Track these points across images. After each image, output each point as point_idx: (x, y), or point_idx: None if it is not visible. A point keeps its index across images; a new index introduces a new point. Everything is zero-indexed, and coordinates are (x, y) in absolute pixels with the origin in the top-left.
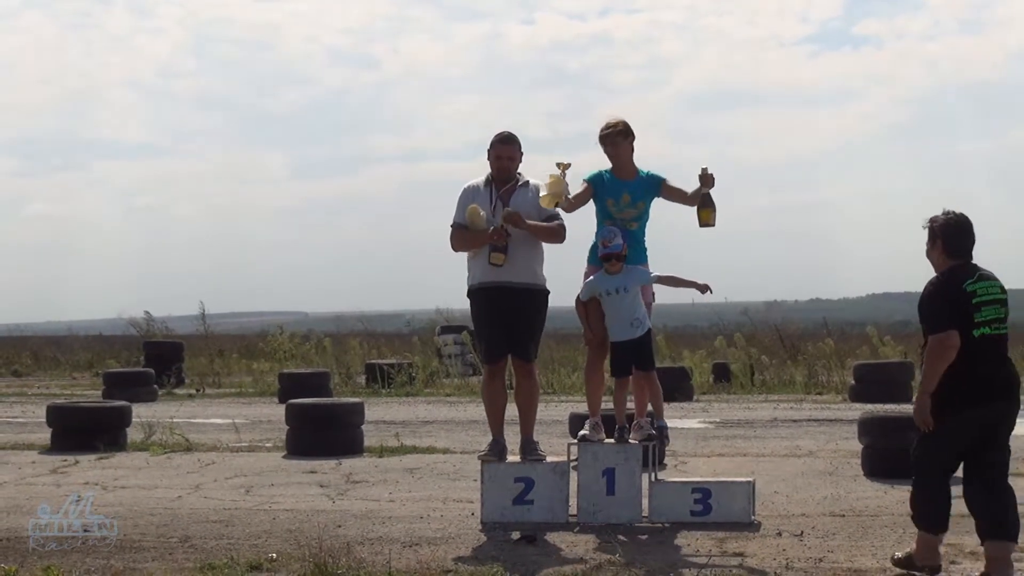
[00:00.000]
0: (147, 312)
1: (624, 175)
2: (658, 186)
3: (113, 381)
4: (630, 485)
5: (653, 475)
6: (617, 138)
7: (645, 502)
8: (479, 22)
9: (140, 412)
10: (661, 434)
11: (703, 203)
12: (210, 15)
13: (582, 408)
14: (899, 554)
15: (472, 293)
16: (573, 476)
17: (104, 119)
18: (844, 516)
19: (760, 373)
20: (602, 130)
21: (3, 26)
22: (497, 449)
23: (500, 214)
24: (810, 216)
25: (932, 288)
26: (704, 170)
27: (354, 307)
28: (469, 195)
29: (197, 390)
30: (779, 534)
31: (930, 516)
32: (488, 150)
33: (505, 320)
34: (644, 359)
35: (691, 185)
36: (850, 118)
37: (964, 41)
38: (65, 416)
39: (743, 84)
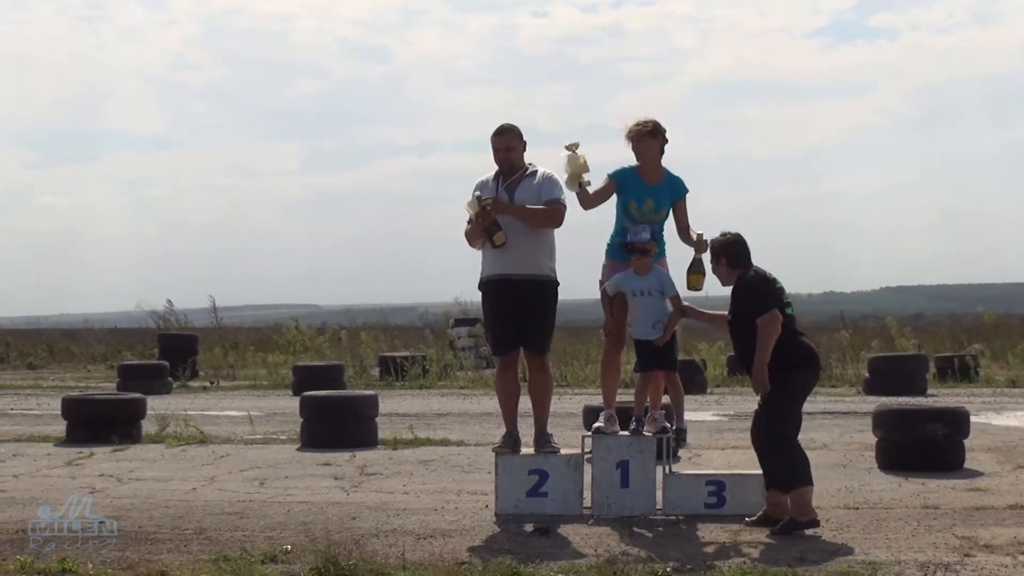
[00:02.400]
0: (169, 301)
1: (650, 177)
2: (680, 196)
3: (128, 373)
4: (644, 477)
5: (667, 467)
6: (645, 137)
7: (659, 494)
8: (490, 14)
9: (155, 404)
10: (679, 436)
11: (694, 268)
12: (220, 7)
13: (596, 401)
14: (762, 524)
15: (481, 286)
16: (587, 468)
17: (115, 111)
18: (858, 509)
19: None
20: (630, 129)
21: (13, 18)
22: (511, 441)
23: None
24: (823, 209)
25: (749, 283)
26: (700, 236)
27: (367, 300)
28: (477, 190)
29: (211, 382)
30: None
31: (799, 474)
32: (491, 142)
33: (512, 313)
34: (667, 360)
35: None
36: (863, 110)
37: (978, 34)
38: (80, 408)
39: (755, 76)
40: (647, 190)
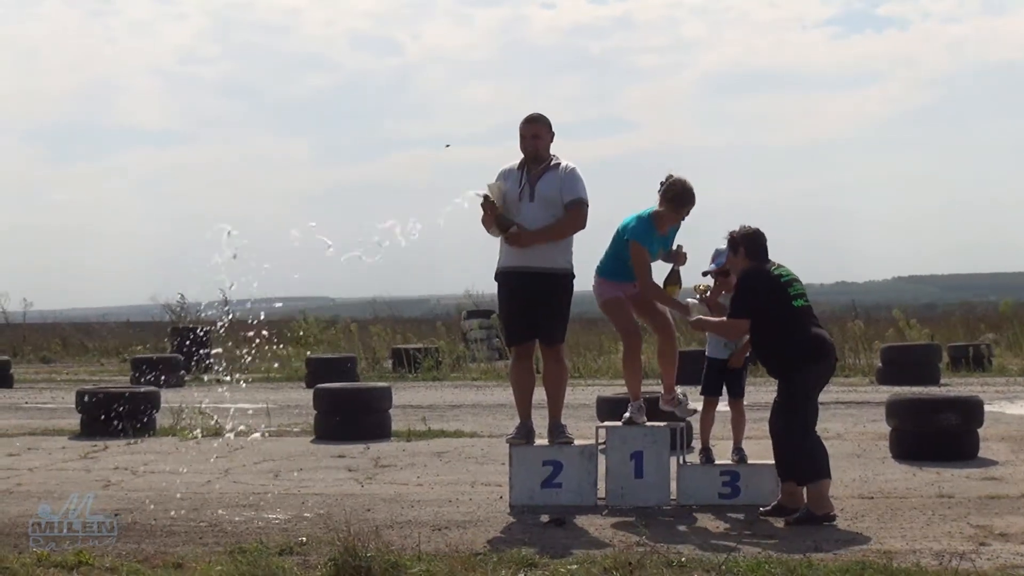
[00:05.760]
0: (181, 295)
1: (663, 230)
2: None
3: (141, 367)
4: (658, 468)
5: (681, 458)
6: (686, 211)
7: (673, 485)
8: (500, 6)
9: (168, 397)
10: (740, 456)
11: (672, 279)
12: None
13: (609, 391)
14: (776, 514)
15: (497, 277)
16: (601, 459)
17: (127, 106)
18: (873, 498)
19: None
20: (686, 198)
21: (25, 14)
22: (524, 432)
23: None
24: (834, 199)
25: (747, 280)
26: (679, 248)
27: (380, 292)
28: (500, 178)
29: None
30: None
31: (818, 467)
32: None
33: (527, 304)
34: (733, 386)
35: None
36: (874, 100)
37: (988, 21)
38: (94, 402)
39: (766, 67)
40: (660, 241)
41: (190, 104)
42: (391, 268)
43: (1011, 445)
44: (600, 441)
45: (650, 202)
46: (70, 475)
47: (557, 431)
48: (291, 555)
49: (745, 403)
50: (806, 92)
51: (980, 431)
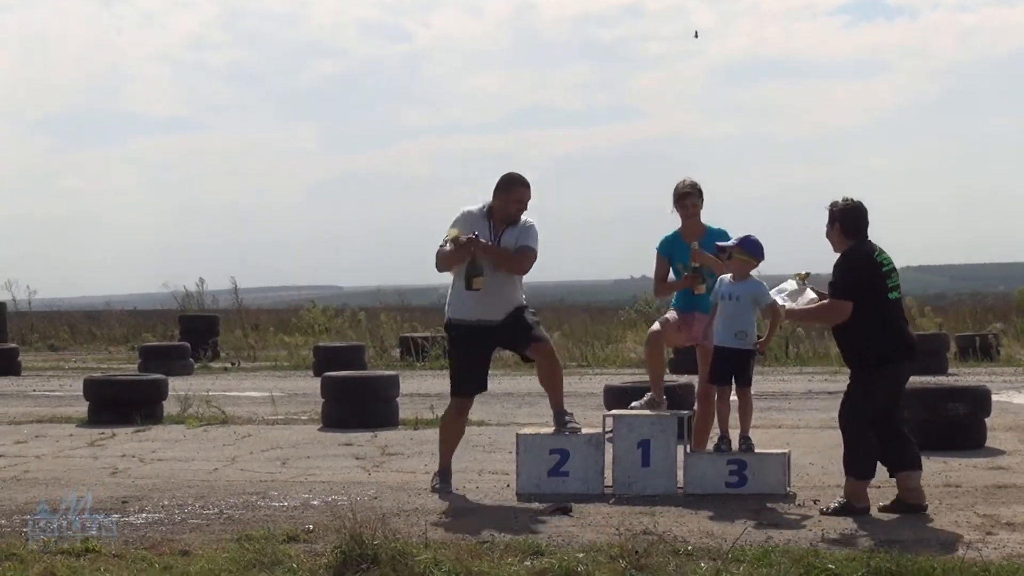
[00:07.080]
0: (201, 279)
1: (692, 237)
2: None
3: (149, 355)
4: (665, 457)
5: (688, 447)
6: (697, 200)
7: (680, 474)
8: None
9: (176, 385)
10: (747, 445)
11: (694, 278)
12: None
13: (616, 380)
14: (830, 505)
15: (451, 327)
16: (608, 448)
17: (136, 94)
18: (880, 487)
19: (795, 345)
20: (679, 191)
21: (34, 2)
22: (446, 476)
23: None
24: (844, 189)
25: (850, 261)
26: (695, 245)
27: (388, 281)
28: (466, 222)
29: (232, 363)
30: (815, 504)
31: (868, 465)
32: (498, 190)
33: (484, 357)
34: (741, 375)
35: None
36: (884, 90)
37: (1000, 12)
38: (102, 389)
39: (775, 56)
40: (688, 249)
41: (198, 92)
42: (400, 255)
43: (1018, 435)
44: (607, 430)
45: (653, 189)
46: (77, 462)
47: (561, 418)
48: (298, 543)
49: (753, 392)
50: (816, 81)
51: (987, 421)
